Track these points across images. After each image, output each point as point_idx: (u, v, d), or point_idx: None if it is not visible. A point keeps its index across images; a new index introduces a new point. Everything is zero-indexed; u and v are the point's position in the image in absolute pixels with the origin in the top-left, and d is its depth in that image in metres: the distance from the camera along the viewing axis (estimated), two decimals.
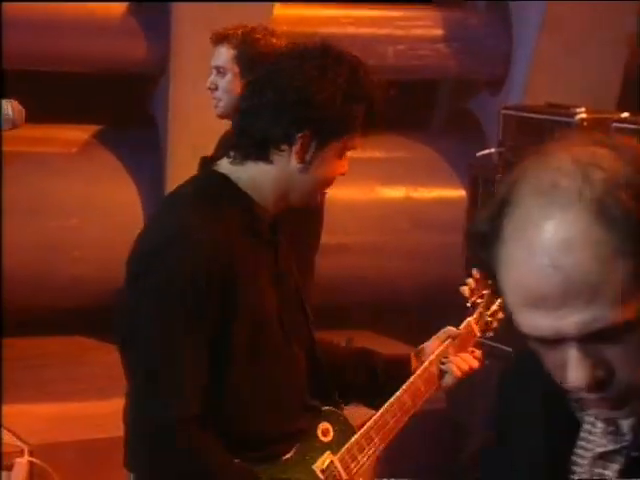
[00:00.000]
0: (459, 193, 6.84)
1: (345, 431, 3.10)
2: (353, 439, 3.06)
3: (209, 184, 2.91)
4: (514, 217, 1.50)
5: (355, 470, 2.99)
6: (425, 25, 7.45)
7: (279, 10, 6.68)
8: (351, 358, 3.25)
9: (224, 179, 2.87)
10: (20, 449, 4.97)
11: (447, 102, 8.00)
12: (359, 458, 3.01)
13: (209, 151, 3.73)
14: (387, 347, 6.45)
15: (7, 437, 5.16)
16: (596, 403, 1.58)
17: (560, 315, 1.48)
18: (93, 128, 7.33)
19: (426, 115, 8.00)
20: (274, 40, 3.96)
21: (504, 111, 6.18)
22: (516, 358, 2.07)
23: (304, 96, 2.78)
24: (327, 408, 3.06)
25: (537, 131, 5.89)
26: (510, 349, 5.38)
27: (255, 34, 4.01)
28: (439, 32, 7.38)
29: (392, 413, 3.10)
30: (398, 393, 3.08)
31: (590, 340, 1.50)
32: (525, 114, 6.08)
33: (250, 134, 2.81)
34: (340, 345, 3.37)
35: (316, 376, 3.07)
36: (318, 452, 3.04)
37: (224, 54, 3.96)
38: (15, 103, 3.55)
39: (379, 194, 7.27)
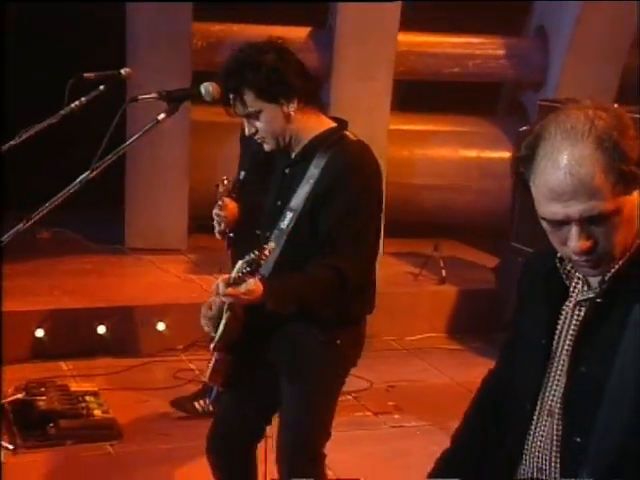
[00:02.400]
0: (510, 155, 8.34)
1: None
2: None
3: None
4: (545, 146, 1.92)
5: None
6: (493, 47, 8.76)
7: (401, 37, 8.03)
8: None
9: None
10: None
11: (507, 97, 9.35)
12: None
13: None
14: (461, 250, 8.35)
15: None
16: (583, 264, 1.99)
17: (569, 205, 1.89)
18: None
19: (494, 105, 9.36)
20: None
21: (540, 102, 7.26)
22: (531, 255, 2.43)
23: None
24: None
25: None
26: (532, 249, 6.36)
27: None
28: (502, 52, 8.73)
29: None
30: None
31: (585, 222, 1.91)
32: (554, 104, 6.16)
33: None
34: None
35: None
36: None
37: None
38: (214, 84, 3.37)
39: (460, 154, 8.78)
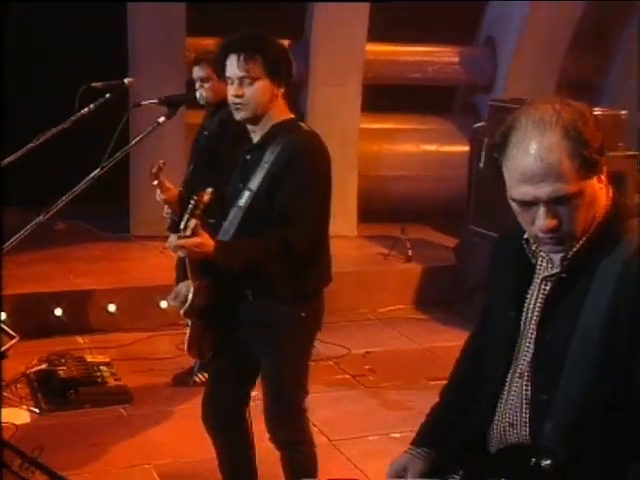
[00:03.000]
0: (466, 148, 7.77)
1: None
2: None
3: None
4: (516, 134, 1.92)
5: None
6: (449, 55, 8.85)
7: (369, 47, 8.07)
8: None
9: None
10: None
11: (461, 98, 9.37)
12: None
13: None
14: (425, 232, 8.28)
15: None
16: (548, 241, 1.97)
17: (539, 187, 1.88)
18: None
19: (450, 105, 9.37)
20: None
21: (491, 102, 7.31)
22: (499, 237, 2.34)
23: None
24: None
25: (507, 113, 6.98)
26: (496, 234, 7.15)
27: None
28: (456, 59, 8.84)
29: None
30: None
31: (552, 203, 1.89)
32: (501, 104, 6.98)
33: None
34: None
35: None
36: None
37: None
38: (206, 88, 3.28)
39: (422, 148, 8.83)
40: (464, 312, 6.97)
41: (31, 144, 3.95)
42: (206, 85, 4.86)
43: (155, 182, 4.09)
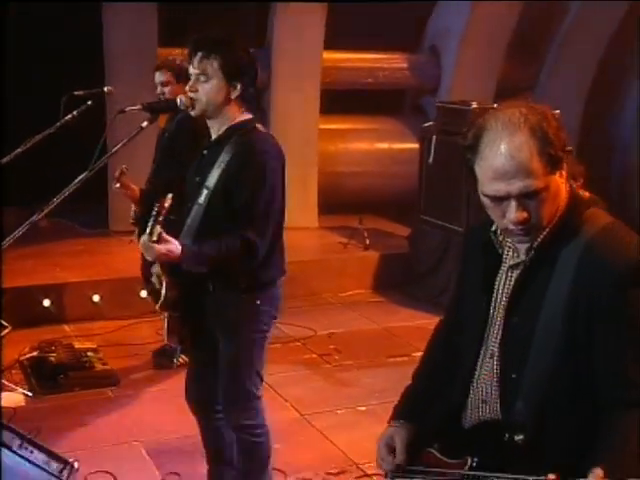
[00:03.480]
0: (415, 146, 7.70)
1: None
2: None
3: None
4: (488, 135, 1.90)
5: None
6: (398, 62, 8.87)
7: (325, 55, 8.07)
8: None
9: None
10: None
11: (410, 100, 9.34)
12: None
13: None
14: (380, 223, 8.26)
15: None
16: (518, 232, 1.95)
17: (510, 183, 1.87)
18: None
19: (400, 107, 9.31)
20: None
21: (438, 104, 7.38)
22: (470, 229, 2.47)
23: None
24: None
25: (453, 114, 6.84)
26: (444, 223, 6.87)
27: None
28: (405, 65, 8.87)
29: None
30: None
31: (522, 197, 1.89)
32: (448, 105, 7.12)
33: None
34: None
35: None
36: None
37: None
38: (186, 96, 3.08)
39: (375, 146, 8.81)
40: (417, 294, 7.06)
41: (19, 149, 3.88)
42: (166, 89, 4.86)
43: (117, 185, 4.32)
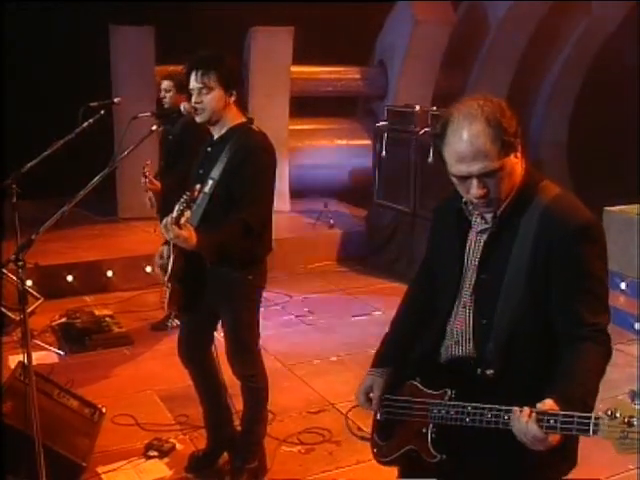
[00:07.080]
0: (368, 142, 7.85)
1: None
2: None
3: None
4: (452, 125, 1.86)
5: None
6: (352, 73, 8.88)
7: (293, 68, 7.99)
8: None
9: None
10: None
11: (363, 105, 9.35)
12: None
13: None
14: (342, 206, 8.19)
15: None
16: (480, 205, 1.94)
17: (471, 165, 1.84)
18: None
19: (354, 110, 9.37)
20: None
21: (386, 107, 7.30)
22: (442, 201, 2.16)
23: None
24: None
25: (400, 115, 6.83)
26: (407, 209, 6.58)
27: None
28: (358, 76, 8.90)
29: None
30: None
31: (482, 176, 1.86)
32: (395, 108, 7.11)
33: None
34: None
35: None
36: None
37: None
38: (188, 103, 3.14)
39: (335, 142, 8.79)
40: (374, 264, 7.06)
41: (46, 152, 3.80)
42: (168, 95, 4.82)
43: (143, 180, 4.22)
